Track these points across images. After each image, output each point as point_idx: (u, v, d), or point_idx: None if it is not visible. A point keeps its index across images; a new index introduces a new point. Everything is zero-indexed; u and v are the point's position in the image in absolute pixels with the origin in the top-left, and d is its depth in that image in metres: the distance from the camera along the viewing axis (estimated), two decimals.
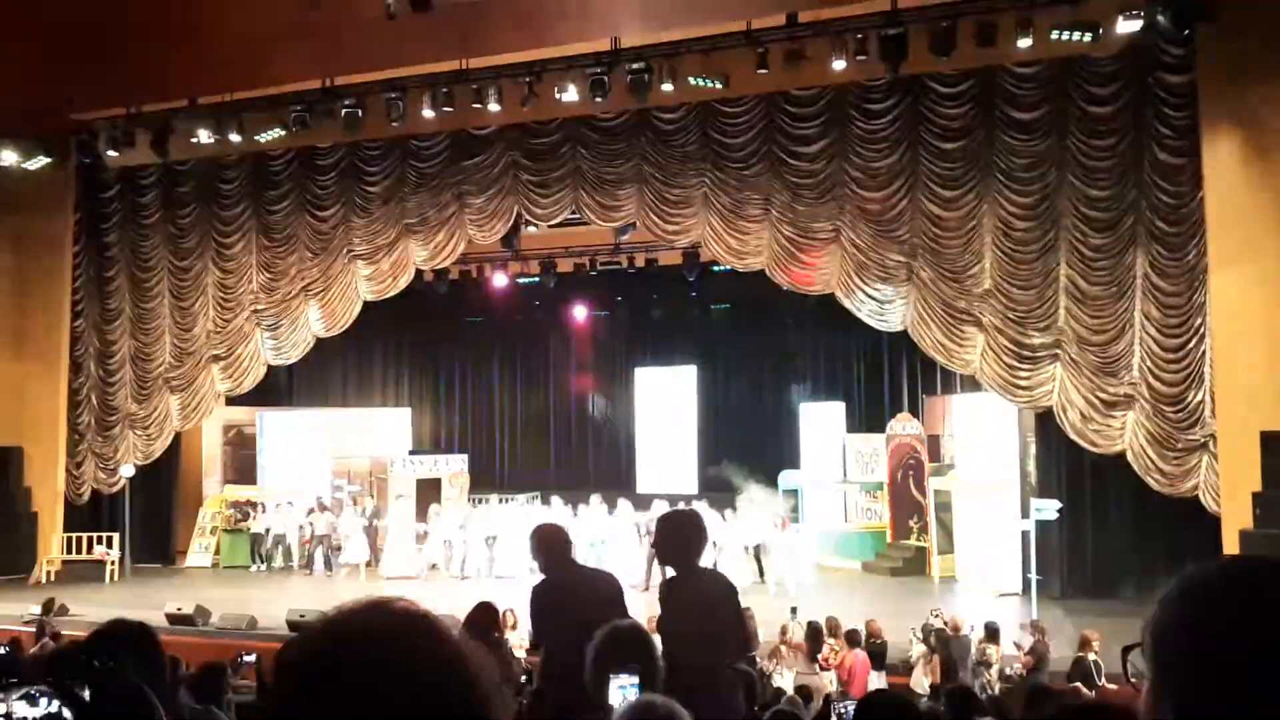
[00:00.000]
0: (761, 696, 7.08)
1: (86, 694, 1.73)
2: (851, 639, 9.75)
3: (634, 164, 14.94)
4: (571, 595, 4.45)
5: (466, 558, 16.56)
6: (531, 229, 16.96)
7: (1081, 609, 12.82)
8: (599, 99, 13.74)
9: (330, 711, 1.02)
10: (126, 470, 17.37)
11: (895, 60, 12.38)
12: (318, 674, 1.05)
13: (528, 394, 24.79)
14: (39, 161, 16.73)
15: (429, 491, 18.92)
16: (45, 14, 12.45)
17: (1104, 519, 13.48)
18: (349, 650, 1.06)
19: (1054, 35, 11.76)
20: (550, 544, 4.79)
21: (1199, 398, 12.34)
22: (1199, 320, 12.35)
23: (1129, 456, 12.72)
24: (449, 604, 13.19)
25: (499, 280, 20.41)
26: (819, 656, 9.72)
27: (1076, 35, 11.67)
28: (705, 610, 4.26)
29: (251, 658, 8.78)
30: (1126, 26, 11.56)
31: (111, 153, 16.51)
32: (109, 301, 18.17)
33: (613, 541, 15.96)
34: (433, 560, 16.84)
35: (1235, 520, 11.80)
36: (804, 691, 8.50)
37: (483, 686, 1.07)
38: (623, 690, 2.78)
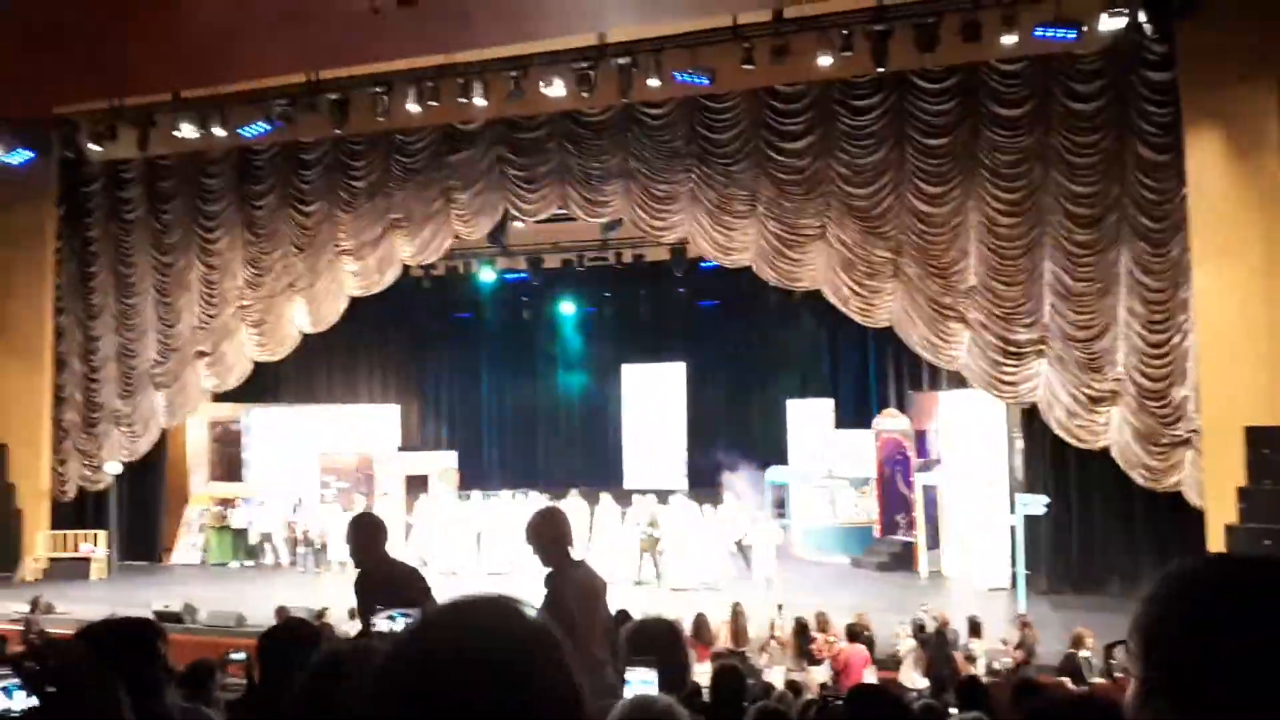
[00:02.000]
0: (751, 692, 7.09)
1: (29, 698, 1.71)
2: (851, 633, 9.78)
3: (620, 159, 14.92)
4: (388, 585, 4.54)
5: (455, 553, 16.53)
6: (518, 225, 16.91)
7: (1068, 603, 12.91)
8: (585, 94, 13.71)
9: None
10: (112, 468, 17.26)
11: (880, 56, 12.39)
12: (440, 675, 0.98)
13: (515, 390, 24.77)
14: (20, 155, 16.58)
15: (417, 488, 18.90)
16: (25, 6, 12.34)
17: (1090, 514, 13.55)
18: (476, 654, 0.99)
19: (1037, 33, 11.79)
20: (366, 535, 4.86)
21: (1183, 393, 12.42)
22: (1183, 316, 12.43)
23: (1114, 452, 12.80)
24: (438, 598, 13.21)
25: (486, 276, 20.38)
26: (810, 648, 9.75)
27: (1060, 32, 11.71)
28: (587, 603, 4.36)
29: (240, 655, 8.74)
30: (1109, 24, 11.60)
31: (94, 146, 16.38)
32: (92, 297, 18.03)
33: (598, 537, 15.96)
34: (422, 556, 16.79)
35: (1219, 515, 11.89)
36: (794, 686, 8.52)
37: (585, 693, 1.04)
38: (644, 684, 2.77)
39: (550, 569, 4.51)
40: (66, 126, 16.83)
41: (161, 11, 12.27)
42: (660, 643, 2.80)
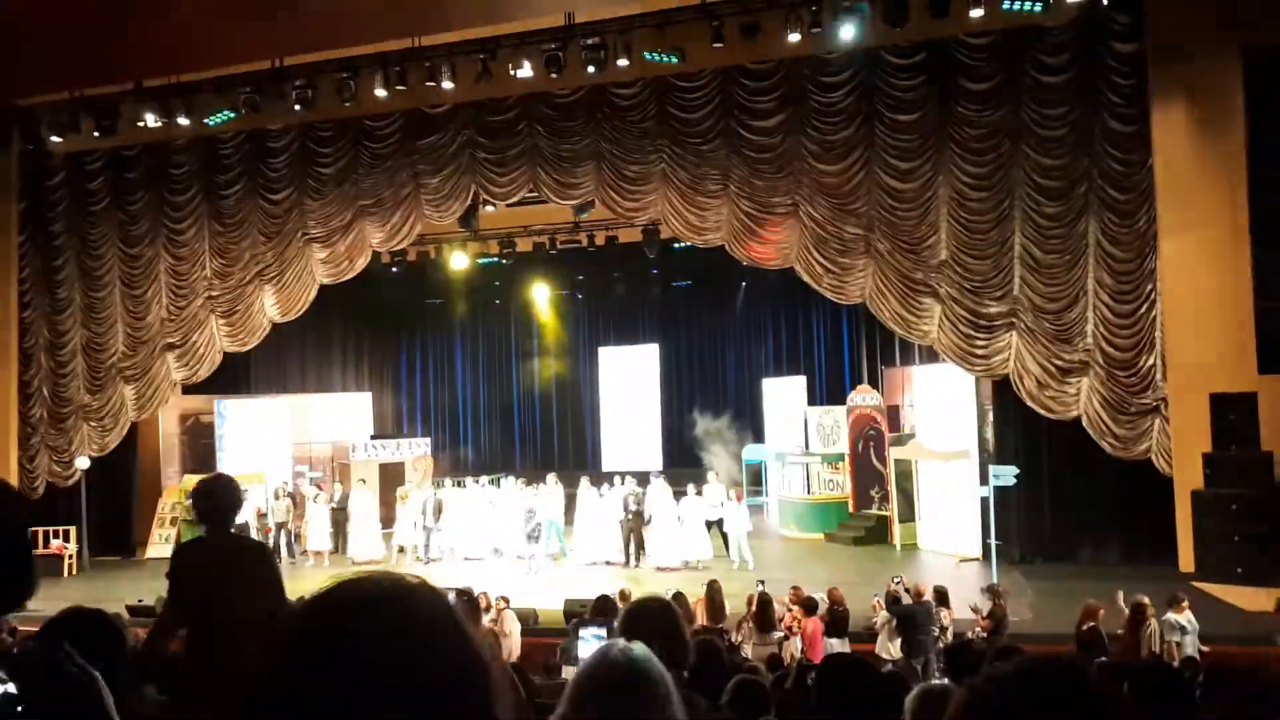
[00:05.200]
0: (729, 666, 7.14)
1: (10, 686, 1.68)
2: (807, 606, 9.84)
3: (592, 141, 14.85)
4: (221, 561, 4.15)
5: (431, 540, 16.50)
6: (489, 208, 16.81)
7: (1039, 572, 13.09)
8: (555, 75, 13.63)
9: (337, 678, 0.95)
10: (82, 462, 17.05)
11: (849, 33, 12.39)
12: (318, 641, 0.98)
13: (490, 375, 24.69)
14: None
15: (393, 476, 18.81)
16: None
17: (1060, 484, 13.72)
18: (349, 615, 1.00)
19: (1005, 5, 11.84)
20: (222, 499, 4.30)
21: (1150, 362, 12.59)
22: (1150, 286, 12.58)
23: (1084, 422, 12.96)
24: None
25: (458, 260, 20.24)
26: (781, 624, 9.82)
27: (1028, 4, 11.76)
28: (232, 567, 4.15)
29: None
30: None
31: (55, 138, 16.09)
32: (58, 291, 17.75)
33: (579, 521, 15.97)
34: (400, 543, 16.76)
35: (1186, 481, 12.10)
36: (773, 660, 8.58)
37: (481, 645, 1.04)
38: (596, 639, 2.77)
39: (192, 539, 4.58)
40: (26, 119, 16.52)
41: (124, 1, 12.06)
42: (660, 620, 2.80)
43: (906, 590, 10.23)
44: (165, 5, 13.55)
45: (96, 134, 15.52)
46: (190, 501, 4.73)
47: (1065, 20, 12.43)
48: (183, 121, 15.16)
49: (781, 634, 9.73)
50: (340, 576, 1.06)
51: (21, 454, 17.57)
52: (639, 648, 1.86)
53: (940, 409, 15.62)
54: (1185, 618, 8.91)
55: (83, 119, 15.59)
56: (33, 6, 12.51)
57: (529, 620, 11.21)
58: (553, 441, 23.96)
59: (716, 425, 20.66)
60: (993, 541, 12.51)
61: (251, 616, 3.74)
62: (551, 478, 16.67)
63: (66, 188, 17.55)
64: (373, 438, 21.24)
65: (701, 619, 10.07)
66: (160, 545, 18.36)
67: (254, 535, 17.71)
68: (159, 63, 14.68)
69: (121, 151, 16.94)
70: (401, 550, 16.69)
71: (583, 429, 23.47)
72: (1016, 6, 11.85)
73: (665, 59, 13.32)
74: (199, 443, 19.97)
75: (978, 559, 14.01)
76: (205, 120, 15.22)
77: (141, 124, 15.22)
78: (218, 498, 4.25)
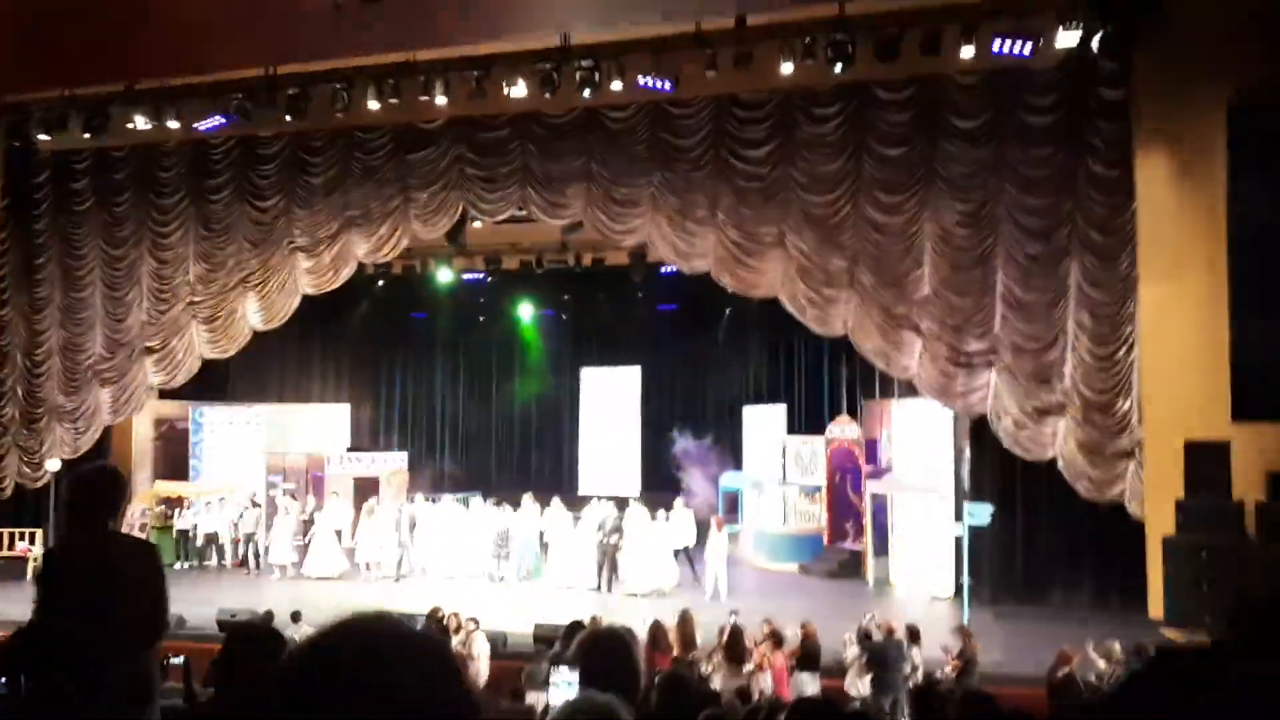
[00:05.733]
0: (697, 699, 7.08)
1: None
2: (776, 640, 9.79)
3: (582, 162, 14.88)
4: (99, 563, 3.57)
5: (403, 557, 16.35)
6: (477, 224, 16.80)
7: (1011, 614, 13.08)
8: (548, 95, 13.67)
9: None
10: (52, 464, 16.83)
11: (842, 65, 12.51)
12: (314, 685, 1.03)
13: (470, 391, 24.60)
14: None
15: (367, 489, 18.67)
16: None
17: (1034, 524, 13.75)
18: (342, 663, 1.04)
19: (996, 46, 11.98)
20: (103, 494, 3.76)
21: (1127, 406, 12.66)
22: (1129, 330, 12.67)
23: (1059, 463, 13.00)
24: (383, 604, 13.05)
25: (443, 276, 20.22)
26: (753, 660, 9.75)
27: (1017, 46, 11.91)
28: (110, 572, 3.57)
29: (179, 659, 8.54)
30: (1065, 40, 11.81)
31: (43, 136, 15.99)
32: (38, 290, 17.58)
33: (554, 544, 15.87)
34: (368, 559, 16.60)
35: (1159, 526, 12.12)
36: (743, 693, 8.52)
37: (470, 684, 1.11)
38: (568, 686, 2.74)
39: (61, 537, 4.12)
40: (14, 115, 16.40)
41: (126, 1, 12.03)
42: (614, 654, 2.77)
43: (878, 627, 10.20)
44: (161, 9, 13.53)
45: (85, 134, 15.42)
46: (66, 494, 3.93)
47: (1054, 64, 12.58)
48: (173, 125, 15.10)
49: (751, 667, 9.67)
50: (344, 614, 1.11)
51: None
52: (606, 702, 1.86)
53: (918, 444, 15.66)
54: None
55: (72, 118, 15.49)
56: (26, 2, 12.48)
57: (498, 643, 11.11)
58: (530, 460, 23.86)
59: (695, 450, 20.63)
60: (965, 580, 12.50)
61: (127, 630, 3.39)
62: (528, 498, 16.58)
63: (51, 186, 17.42)
64: (348, 450, 21.11)
65: (672, 649, 10.00)
66: None
67: (226, 544, 17.60)
68: (152, 65, 14.63)
69: (109, 152, 16.84)
70: (367, 566, 16.52)
71: (560, 449, 23.39)
72: (1006, 49, 11.98)
73: (658, 85, 13.39)
74: (173, 449, 19.79)
75: (950, 597, 13.99)
76: (196, 126, 15.16)
77: (131, 125, 15.15)
78: (98, 491, 3.74)
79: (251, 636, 3.24)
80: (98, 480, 3.82)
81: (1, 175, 17.32)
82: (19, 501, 17.32)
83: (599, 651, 2.76)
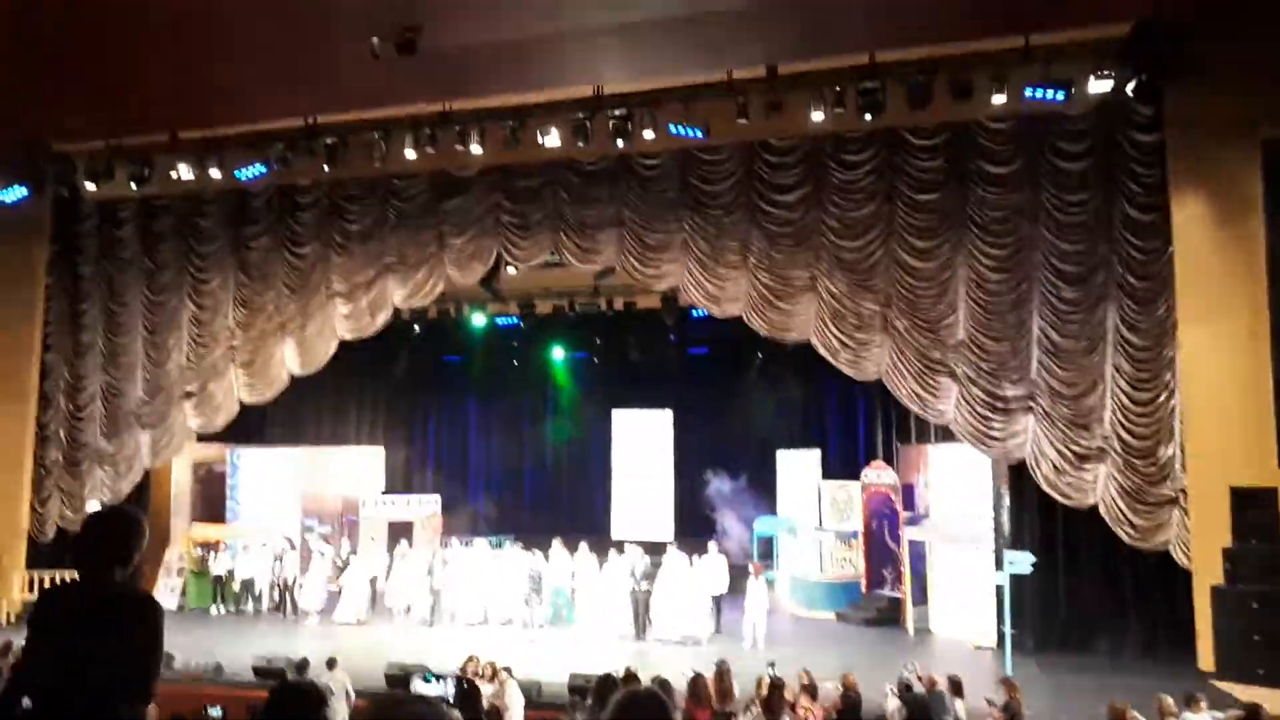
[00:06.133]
0: None
1: None
2: (809, 693, 9.61)
3: (614, 208, 15.03)
4: (89, 614, 3.27)
5: (436, 604, 16.30)
6: (511, 270, 16.97)
7: (1055, 664, 12.78)
8: (581, 144, 13.86)
9: None
10: (93, 507, 17.03)
11: (873, 112, 12.60)
12: None
13: (503, 435, 24.66)
14: (15, 192, 16.62)
15: (400, 533, 18.70)
16: (31, 47, 12.43)
17: (1076, 572, 13.49)
18: None
19: (1027, 93, 12.00)
20: (99, 539, 3.40)
21: (1170, 452, 12.45)
22: (1169, 375, 12.50)
23: (1101, 509, 12.78)
24: (417, 649, 13.01)
25: (477, 320, 20.40)
26: (791, 716, 9.58)
27: (1049, 93, 11.93)
28: (98, 624, 3.29)
29: (217, 711, 8.57)
30: (1097, 86, 11.82)
31: (89, 185, 16.42)
32: (81, 335, 17.95)
33: (583, 590, 15.75)
34: (399, 604, 16.57)
35: (1206, 575, 11.85)
36: None
37: None
38: None
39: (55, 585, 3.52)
40: (63, 164, 16.88)
41: (165, 56, 12.38)
42: (650, 714, 2.73)
43: (919, 678, 10.02)
44: (205, 62, 13.89)
45: (132, 184, 15.81)
46: (77, 535, 3.56)
47: (1086, 109, 12.58)
48: (214, 174, 15.45)
49: None
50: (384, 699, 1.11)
51: (34, 497, 17.60)
52: None
53: (956, 490, 15.45)
54: (1204, 719, 8.68)
55: (117, 168, 15.92)
56: (76, 55, 12.85)
57: (532, 693, 11.01)
58: (562, 504, 23.80)
59: (729, 495, 20.50)
60: (1008, 630, 12.26)
61: (109, 685, 3.13)
62: (557, 543, 16.52)
63: (96, 233, 17.86)
64: (383, 493, 21.20)
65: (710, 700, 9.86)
66: (166, 595, 18.25)
67: (265, 589, 17.64)
68: (195, 116, 15.02)
69: (152, 200, 17.25)
70: (406, 611, 16.50)
71: (593, 493, 23.31)
72: (1038, 95, 12.00)
73: (689, 132, 13.53)
74: (210, 492, 19.96)
75: (992, 647, 13.72)
76: (236, 174, 15.50)
77: (174, 175, 15.52)
78: (107, 536, 3.41)
79: (296, 697, 3.23)
80: (109, 524, 3.48)
81: (50, 223, 17.77)
82: (60, 544, 17.53)
83: (635, 713, 2.73)
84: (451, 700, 9.21)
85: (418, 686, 9.89)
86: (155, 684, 3.33)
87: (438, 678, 9.97)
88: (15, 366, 17.69)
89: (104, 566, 3.36)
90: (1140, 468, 12.55)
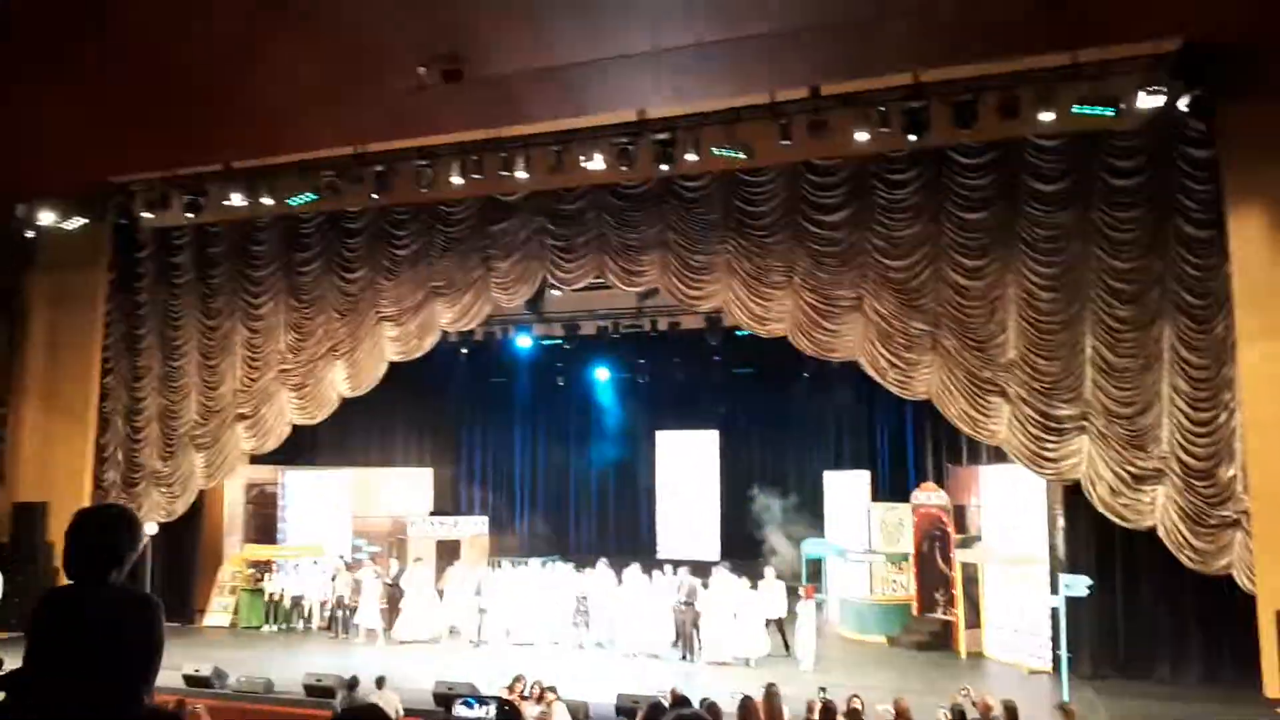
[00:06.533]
0: None
1: None
2: (852, 718, 9.46)
3: (658, 230, 15.09)
4: (89, 614, 3.04)
5: (483, 623, 16.38)
6: (556, 292, 17.10)
7: (1114, 689, 12.48)
8: (625, 168, 13.95)
9: None
10: (150, 528, 17.36)
11: (918, 133, 12.51)
12: None
13: (549, 456, 24.77)
14: (76, 222, 17.16)
15: (449, 553, 18.85)
16: (92, 83, 12.85)
17: (1135, 596, 13.17)
18: None
19: (1075, 109, 11.84)
20: (91, 539, 3.07)
21: (1231, 473, 12.12)
22: (1228, 394, 12.19)
23: (1160, 532, 12.47)
24: (466, 670, 13.07)
25: (523, 342, 20.57)
26: None
27: (1098, 110, 11.75)
28: (97, 627, 3.05)
29: None
30: (1148, 102, 11.62)
31: (146, 214, 16.90)
32: (138, 359, 18.42)
33: (631, 610, 15.72)
34: (450, 624, 16.68)
35: (1270, 599, 11.52)
36: None
37: None
38: None
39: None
40: (120, 194, 17.39)
41: (223, 90, 12.72)
42: None
43: (974, 704, 9.84)
44: (256, 93, 14.24)
45: (186, 213, 16.24)
46: (66, 534, 3.08)
47: (1137, 125, 12.37)
48: (266, 202, 15.80)
49: None
50: None
51: None
52: None
53: (1009, 512, 15.18)
54: None
55: (173, 197, 16.37)
56: (135, 93, 13.25)
57: (579, 714, 11.01)
58: (609, 524, 23.84)
59: (776, 517, 20.35)
60: (1064, 654, 12.00)
61: (106, 684, 2.97)
62: (603, 563, 16.52)
63: (153, 261, 18.35)
64: (431, 514, 21.40)
65: None
66: (220, 614, 18.59)
67: (314, 610, 17.87)
68: (247, 146, 15.38)
69: (206, 228, 17.69)
70: (453, 631, 16.61)
71: (638, 514, 23.31)
72: (1087, 111, 11.83)
73: (733, 154, 13.55)
74: (262, 512, 20.29)
75: (1048, 671, 13.44)
76: (288, 201, 15.83)
77: (227, 203, 15.91)
78: (97, 536, 3.10)
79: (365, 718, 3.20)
80: (98, 523, 3.16)
81: (109, 251, 18.30)
82: None
83: None
84: None
85: (459, 711, 9.90)
86: (149, 675, 3.15)
87: (480, 701, 9.97)
88: (77, 390, 18.20)
89: (98, 576, 3.06)
90: (1200, 489, 12.24)
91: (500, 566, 17.78)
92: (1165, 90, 11.48)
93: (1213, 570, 12.14)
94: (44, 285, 18.52)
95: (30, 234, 17.27)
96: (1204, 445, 12.28)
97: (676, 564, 16.28)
